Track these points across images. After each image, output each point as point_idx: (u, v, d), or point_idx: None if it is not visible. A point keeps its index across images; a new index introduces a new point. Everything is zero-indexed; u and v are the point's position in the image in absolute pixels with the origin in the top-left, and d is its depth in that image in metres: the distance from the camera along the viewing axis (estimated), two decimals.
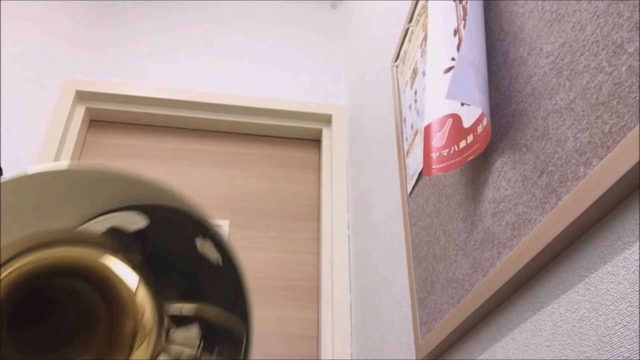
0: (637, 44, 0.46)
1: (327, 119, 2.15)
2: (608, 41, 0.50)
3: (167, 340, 0.69)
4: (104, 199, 0.64)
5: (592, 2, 0.54)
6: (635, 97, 0.46)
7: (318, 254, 1.95)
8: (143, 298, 0.68)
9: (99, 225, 0.64)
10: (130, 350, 0.69)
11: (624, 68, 0.48)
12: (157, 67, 2.17)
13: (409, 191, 1.10)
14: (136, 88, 2.08)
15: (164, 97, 2.08)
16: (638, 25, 0.47)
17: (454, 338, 0.80)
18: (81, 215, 0.63)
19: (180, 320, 0.69)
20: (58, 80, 2.07)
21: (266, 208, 2.02)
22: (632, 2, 0.48)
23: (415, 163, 1.08)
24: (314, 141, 2.20)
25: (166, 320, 0.69)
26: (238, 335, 0.68)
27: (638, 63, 0.46)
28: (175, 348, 0.68)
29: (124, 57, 2.18)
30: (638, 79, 0.46)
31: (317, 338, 1.80)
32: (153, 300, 0.68)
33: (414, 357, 1.00)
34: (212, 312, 0.68)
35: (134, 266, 0.68)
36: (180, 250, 0.67)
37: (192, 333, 0.68)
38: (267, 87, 2.19)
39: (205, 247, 0.66)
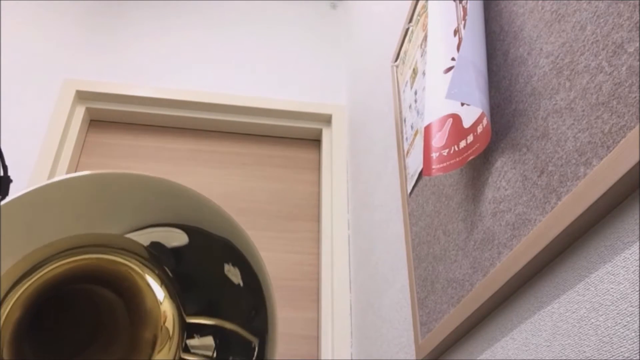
0: (637, 44, 0.46)
1: (327, 119, 2.15)
2: (608, 41, 0.50)
3: (185, 348, 0.73)
4: (159, 211, 0.68)
5: (592, 2, 0.54)
6: (635, 97, 0.46)
7: (318, 254, 1.95)
8: (166, 308, 0.73)
9: (144, 237, 0.68)
10: (152, 352, 0.73)
11: (624, 68, 0.48)
12: (157, 67, 2.17)
13: (409, 191, 1.10)
14: (136, 88, 2.08)
15: (164, 97, 2.08)
16: (638, 25, 0.47)
17: (454, 338, 0.80)
18: (132, 224, 0.67)
19: (199, 332, 0.73)
20: (58, 80, 2.07)
21: (266, 208, 2.02)
22: (632, 2, 0.48)
23: (415, 163, 1.08)
24: (314, 141, 2.20)
25: (186, 331, 0.73)
26: (249, 349, 0.72)
27: (638, 63, 0.46)
28: (191, 357, 0.73)
29: (124, 57, 2.18)
30: (638, 79, 0.46)
31: (317, 338, 1.80)
32: (176, 311, 0.73)
33: (414, 357, 1.00)
34: (228, 327, 0.72)
35: (164, 279, 0.72)
36: (208, 271, 0.72)
37: (208, 344, 0.73)
38: (267, 87, 2.18)
39: (230, 272, 0.71)
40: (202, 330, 0.73)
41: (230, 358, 0.72)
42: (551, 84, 0.60)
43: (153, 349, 0.73)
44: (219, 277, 0.71)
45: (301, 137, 2.20)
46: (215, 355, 0.72)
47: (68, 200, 0.62)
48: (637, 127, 0.45)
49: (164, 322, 0.73)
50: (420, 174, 1.04)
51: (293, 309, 1.84)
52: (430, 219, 0.95)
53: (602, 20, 0.52)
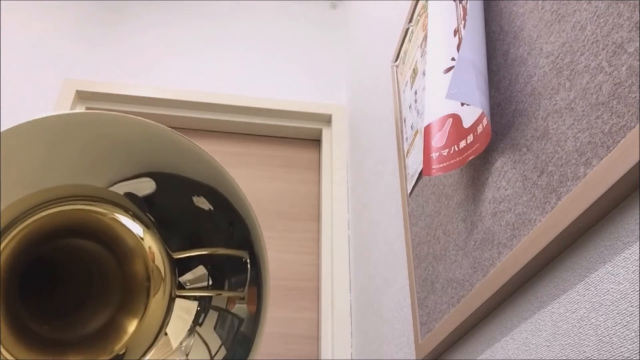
0: (637, 44, 0.46)
1: (327, 119, 2.15)
2: (608, 41, 0.50)
3: (180, 285, 0.77)
4: (139, 161, 0.72)
5: (592, 2, 0.54)
6: (635, 97, 0.46)
7: (318, 254, 1.95)
8: (151, 246, 0.77)
9: (122, 188, 0.74)
10: (148, 294, 0.77)
11: (624, 68, 0.48)
12: (157, 67, 2.17)
13: (409, 191, 1.10)
14: (136, 88, 2.08)
15: (164, 97, 2.08)
16: (638, 25, 0.47)
17: (454, 338, 0.80)
18: (116, 177, 0.72)
19: (188, 265, 0.78)
20: (58, 80, 2.07)
21: (266, 208, 2.02)
22: (632, 2, 0.48)
23: (415, 163, 1.08)
24: (314, 141, 2.20)
25: (176, 268, 0.78)
26: (242, 263, 0.76)
27: (638, 63, 0.46)
28: (187, 292, 0.77)
29: (124, 57, 2.18)
30: (638, 79, 0.46)
31: (317, 338, 1.80)
32: (162, 250, 0.77)
33: (414, 357, 1.00)
34: (213, 251, 0.77)
35: (142, 222, 0.77)
36: (180, 207, 0.77)
37: (201, 274, 0.77)
38: (267, 87, 2.19)
39: (199, 202, 0.76)
40: (191, 263, 0.77)
41: (227, 280, 0.76)
42: (551, 84, 0.60)
43: (149, 287, 0.77)
44: (191, 210, 0.76)
45: (301, 137, 2.20)
46: (210, 282, 0.76)
47: (60, 145, 0.65)
48: (637, 127, 0.45)
49: (153, 261, 0.77)
50: (420, 174, 1.04)
51: (293, 309, 1.84)
52: (430, 219, 0.95)
53: (602, 20, 0.52)
